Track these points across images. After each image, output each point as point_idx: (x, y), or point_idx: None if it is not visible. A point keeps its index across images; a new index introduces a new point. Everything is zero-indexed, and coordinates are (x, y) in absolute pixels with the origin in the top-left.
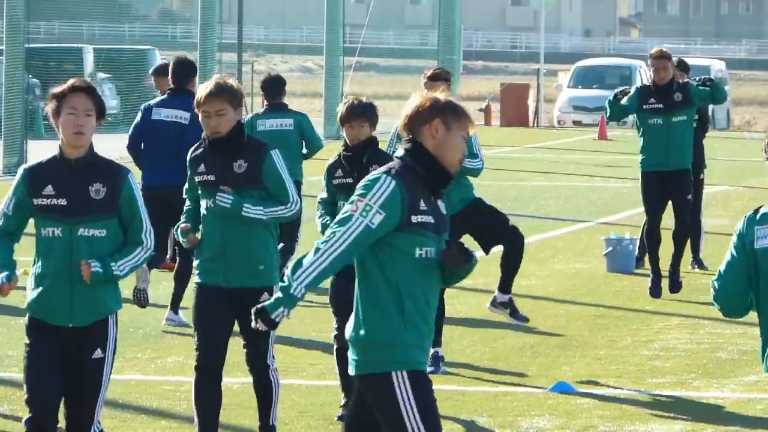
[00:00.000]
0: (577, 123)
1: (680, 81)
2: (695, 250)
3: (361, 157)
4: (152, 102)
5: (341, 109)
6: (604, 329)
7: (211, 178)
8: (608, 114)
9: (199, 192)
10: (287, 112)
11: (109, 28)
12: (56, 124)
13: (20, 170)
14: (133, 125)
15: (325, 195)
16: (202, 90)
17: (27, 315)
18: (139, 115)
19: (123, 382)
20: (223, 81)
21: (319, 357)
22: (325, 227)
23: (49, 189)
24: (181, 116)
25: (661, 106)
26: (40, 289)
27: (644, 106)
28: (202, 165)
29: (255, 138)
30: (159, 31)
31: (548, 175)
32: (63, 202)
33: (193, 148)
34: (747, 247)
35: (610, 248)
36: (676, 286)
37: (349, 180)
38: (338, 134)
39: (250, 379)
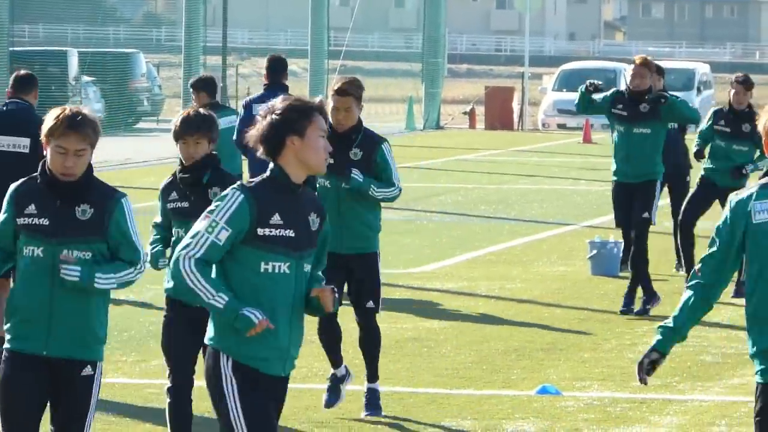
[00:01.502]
0: (561, 126)
1: (664, 94)
2: (678, 252)
3: (199, 178)
4: (252, 97)
5: (175, 121)
6: (588, 332)
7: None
8: (576, 103)
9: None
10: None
11: (93, 32)
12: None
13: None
14: (238, 120)
15: (159, 219)
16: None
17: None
18: (242, 110)
19: (107, 384)
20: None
21: (302, 360)
22: (157, 256)
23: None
24: None
25: (625, 113)
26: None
27: (612, 110)
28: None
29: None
30: (143, 35)
31: (533, 178)
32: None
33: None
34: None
35: (595, 251)
36: (626, 309)
37: (185, 204)
38: None
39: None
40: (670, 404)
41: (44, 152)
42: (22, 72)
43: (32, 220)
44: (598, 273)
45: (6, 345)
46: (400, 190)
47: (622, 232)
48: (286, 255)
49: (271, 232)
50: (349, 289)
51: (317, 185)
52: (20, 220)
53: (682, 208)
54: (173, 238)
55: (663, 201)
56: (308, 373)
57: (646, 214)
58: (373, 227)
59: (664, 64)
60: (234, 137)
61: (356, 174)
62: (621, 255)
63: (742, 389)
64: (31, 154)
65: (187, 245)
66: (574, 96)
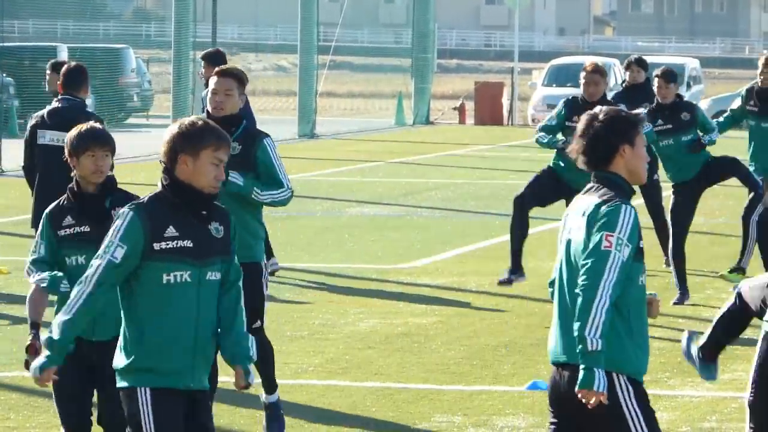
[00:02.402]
0: None
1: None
2: (666, 248)
3: (101, 199)
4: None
5: (72, 135)
6: None
7: None
8: (539, 143)
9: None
10: None
11: (83, 27)
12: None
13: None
14: None
15: (42, 253)
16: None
17: None
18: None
19: None
20: None
21: (294, 356)
22: (56, 281)
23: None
24: None
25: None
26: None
27: (567, 123)
28: None
29: None
30: (133, 30)
31: (522, 173)
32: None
33: None
34: None
35: None
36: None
37: (85, 228)
38: (312, 134)
39: (223, 378)
40: (661, 400)
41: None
42: (73, 66)
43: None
44: None
45: None
46: (292, 192)
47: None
48: (185, 264)
49: (167, 244)
50: None
51: None
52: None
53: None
54: (70, 265)
55: (638, 201)
56: (298, 369)
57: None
58: (256, 235)
59: (654, 59)
60: None
61: (234, 177)
62: None
63: (733, 385)
64: None
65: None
66: (564, 91)
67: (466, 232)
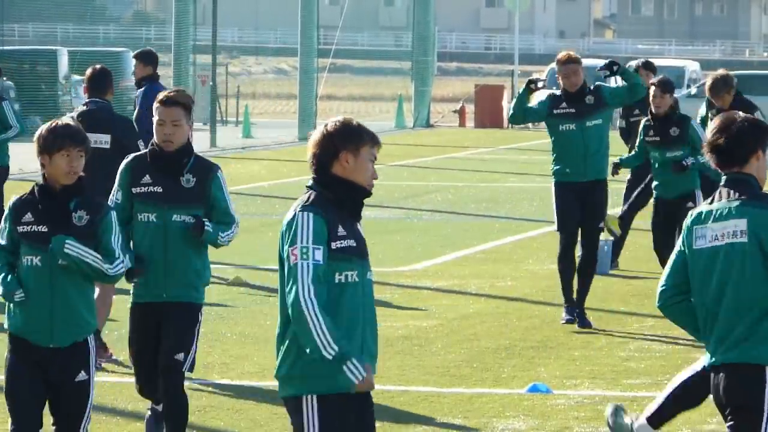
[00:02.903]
0: None
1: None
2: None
3: (65, 200)
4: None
5: (44, 131)
6: (579, 330)
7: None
8: (511, 114)
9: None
10: None
11: (83, 30)
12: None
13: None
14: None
15: (3, 242)
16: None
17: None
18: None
19: (98, 383)
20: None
21: None
22: (11, 288)
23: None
24: None
25: (573, 110)
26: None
27: (554, 111)
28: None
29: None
30: (133, 33)
31: (522, 176)
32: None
33: None
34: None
35: None
36: (584, 321)
37: (43, 228)
38: None
39: (223, 381)
40: None
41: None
42: (97, 70)
43: None
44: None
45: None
46: (238, 225)
47: (563, 241)
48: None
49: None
50: (161, 343)
51: (138, 218)
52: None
53: None
54: (25, 265)
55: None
56: None
57: (601, 224)
58: (202, 276)
59: (654, 62)
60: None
61: (209, 226)
62: (611, 254)
63: None
64: (111, 150)
65: None
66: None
67: (466, 235)
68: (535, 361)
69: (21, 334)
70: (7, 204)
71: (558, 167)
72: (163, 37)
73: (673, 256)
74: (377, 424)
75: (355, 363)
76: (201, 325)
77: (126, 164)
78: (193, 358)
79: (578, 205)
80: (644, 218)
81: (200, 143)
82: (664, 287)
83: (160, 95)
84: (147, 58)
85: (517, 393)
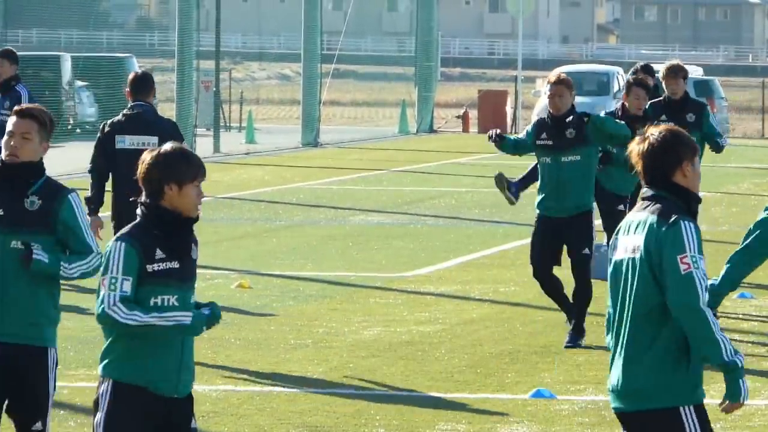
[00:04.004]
0: None
1: (585, 113)
2: None
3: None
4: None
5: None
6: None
7: None
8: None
9: None
10: None
11: (86, 36)
12: None
13: None
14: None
15: None
16: None
17: None
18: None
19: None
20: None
21: (298, 364)
22: None
23: None
24: None
25: (551, 143)
26: None
27: (537, 141)
28: None
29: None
30: (137, 39)
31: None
32: None
33: None
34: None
35: None
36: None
37: None
38: (316, 142)
39: (227, 387)
40: None
41: None
42: (140, 74)
43: None
44: (592, 276)
45: None
46: (101, 256)
47: (534, 272)
48: None
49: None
50: (9, 404)
51: None
52: None
53: None
54: None
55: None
56: (301, 377)
57: (586, 250)
58: (48, 315)
59: (658, 67)
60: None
61: (39, 255)
62: None
63: None
64: None
65: None
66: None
67: (469, 241)
68: (539, 367)
69: None
70: None
71: (538, 199)
72: (166, 42)
73: None
74: (380, 431)
75: None
76: (57, 365)
77: None
78: (51, 409)
79: (556, 241)
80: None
81: (204, 149)
82: None
83: (17, 107)
84: (15, 57)
85: (521, 398)
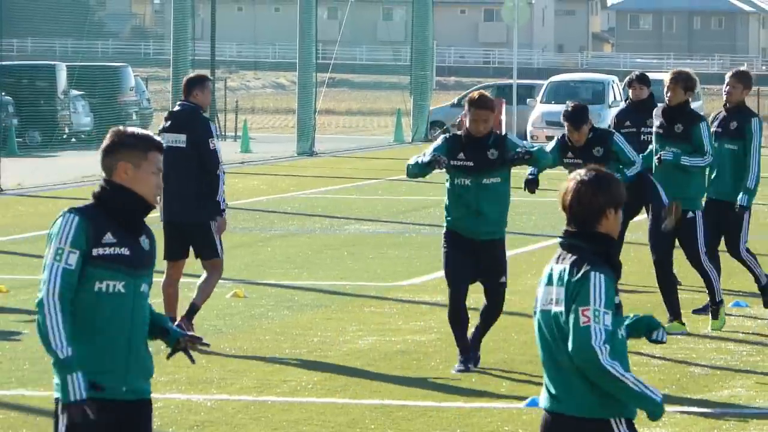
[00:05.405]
0: (550, 138)
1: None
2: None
3: None
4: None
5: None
6: None
7: None
8: (409, 172)
9: None
10: None
11: (81, 46)
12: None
13: None
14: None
15: None
16: None
17: None
18: None
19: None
20: None
21: (293, 374)
22: None
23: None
24: None
25: (471, 164)
26: None
27: (451, 162)
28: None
29: None
30: (132, 49)
31: (521, 190)
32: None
33: None
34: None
35: None
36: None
37: None
38: (311, 151)
39: (222, 396)
40: None
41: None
42: (191, 75)
43: None
44: None
45: None
46: None
47: (451, 292)
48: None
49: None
50: None
51: None
52: None
53: None
54: None
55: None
56: (296, 386)
57: (503, 279)
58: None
59: (653, 75)
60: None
61: None
62: None
63: (732, 401)
64: (188, 149)
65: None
66: (563, 108)
67: None
68: (534, 375)
69: None
70: None
71: (449, 218)
72: (161, 52)
73: None
74: None
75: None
76: None
77: None
78: None
79: (470, 262)
80: (640, 231)
81: None
82: None
83: None
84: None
85: (516, 407)
